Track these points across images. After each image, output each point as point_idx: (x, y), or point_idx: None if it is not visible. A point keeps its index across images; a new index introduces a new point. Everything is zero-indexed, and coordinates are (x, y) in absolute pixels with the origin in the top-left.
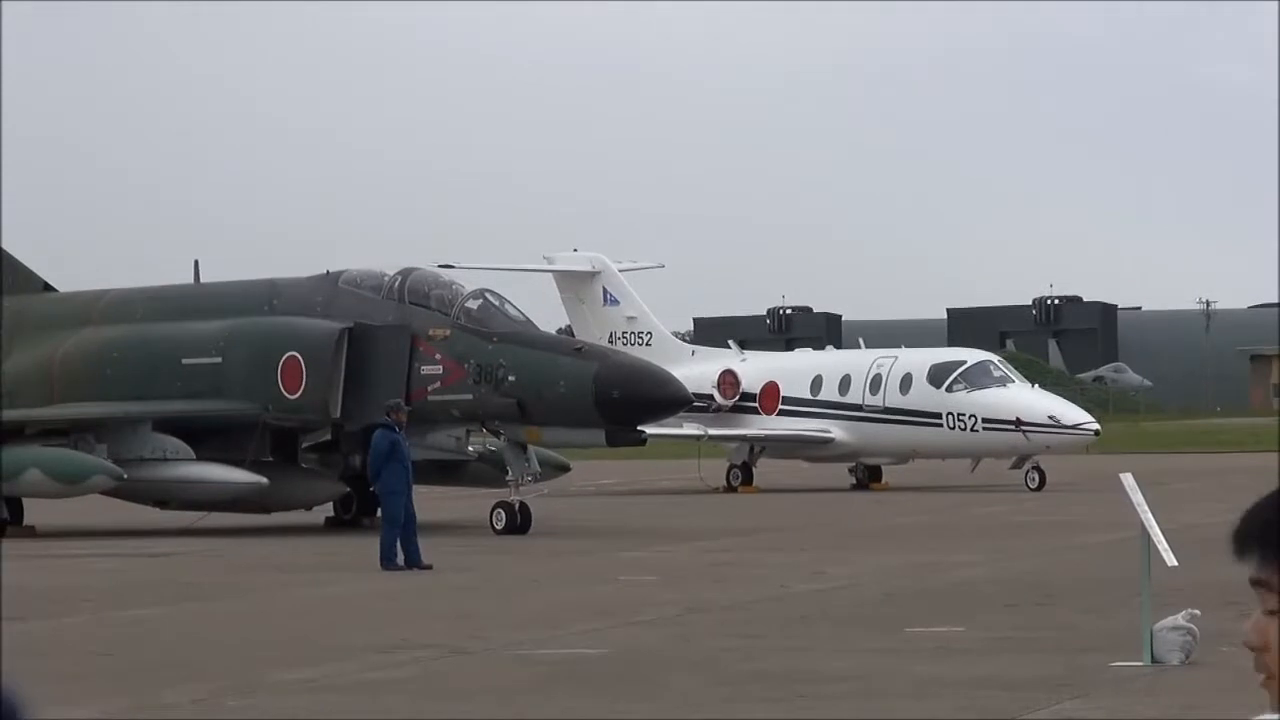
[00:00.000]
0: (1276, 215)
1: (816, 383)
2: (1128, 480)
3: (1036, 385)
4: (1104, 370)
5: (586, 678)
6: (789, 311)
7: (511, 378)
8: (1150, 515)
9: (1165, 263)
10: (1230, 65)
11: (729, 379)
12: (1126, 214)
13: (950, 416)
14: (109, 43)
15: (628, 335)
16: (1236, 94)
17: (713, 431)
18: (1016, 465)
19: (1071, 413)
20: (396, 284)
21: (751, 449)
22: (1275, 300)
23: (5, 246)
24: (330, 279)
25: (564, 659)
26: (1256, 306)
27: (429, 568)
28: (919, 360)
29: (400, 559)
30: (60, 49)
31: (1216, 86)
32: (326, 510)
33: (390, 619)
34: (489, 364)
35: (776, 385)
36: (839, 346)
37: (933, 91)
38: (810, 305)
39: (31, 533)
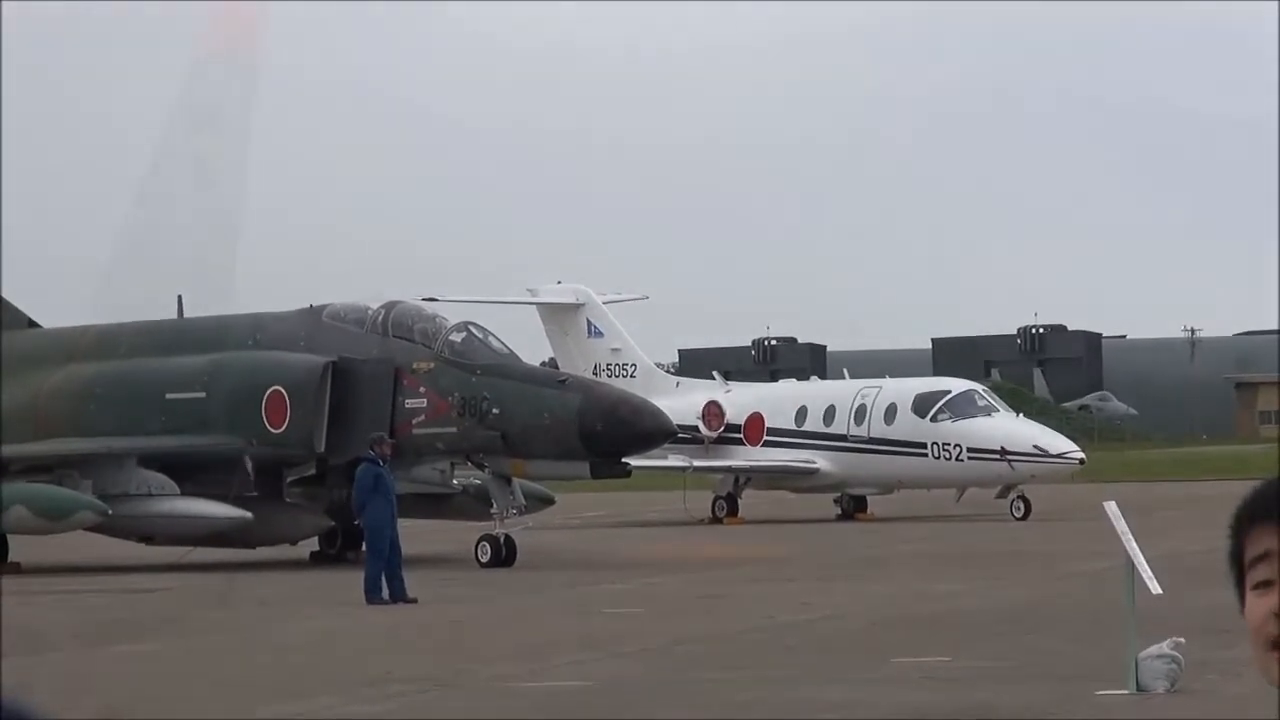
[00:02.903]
0: (1277, 241)
1: (801, 413)
2: (1111, 508)
3: (1021, 414)
4: (1089, 399)
5: (572, 711)
6: (774, 342)
7: (496, 410)
8: (1134, 543)
9: (1150, 291)
10: (1213, 93)
11: (714, 410)
12: (1111, 242)
13: (935, 446)
14: (89, 71)
15: (612, 367)
16: (1221, 123)
17: (698, 463)
18: (1002, 494)
19: (1056, 441)
20: (380, 318)
21: (737, 480)
22: (1261, 328)
23: None
24: (314, 313)
25: (550, 692)
26: (1242, 334)
27: (414, 601)
28: (904, 390)
29: (385, 593)
30: (42, 77)
31: (1200, 115)
32: (311, 545)
33: (375, 653)
34: (473, 397)
35: (761, 416)
36: (824, 377)
37: (917, 123)
38: (795, 336)
39: (17, 569)
